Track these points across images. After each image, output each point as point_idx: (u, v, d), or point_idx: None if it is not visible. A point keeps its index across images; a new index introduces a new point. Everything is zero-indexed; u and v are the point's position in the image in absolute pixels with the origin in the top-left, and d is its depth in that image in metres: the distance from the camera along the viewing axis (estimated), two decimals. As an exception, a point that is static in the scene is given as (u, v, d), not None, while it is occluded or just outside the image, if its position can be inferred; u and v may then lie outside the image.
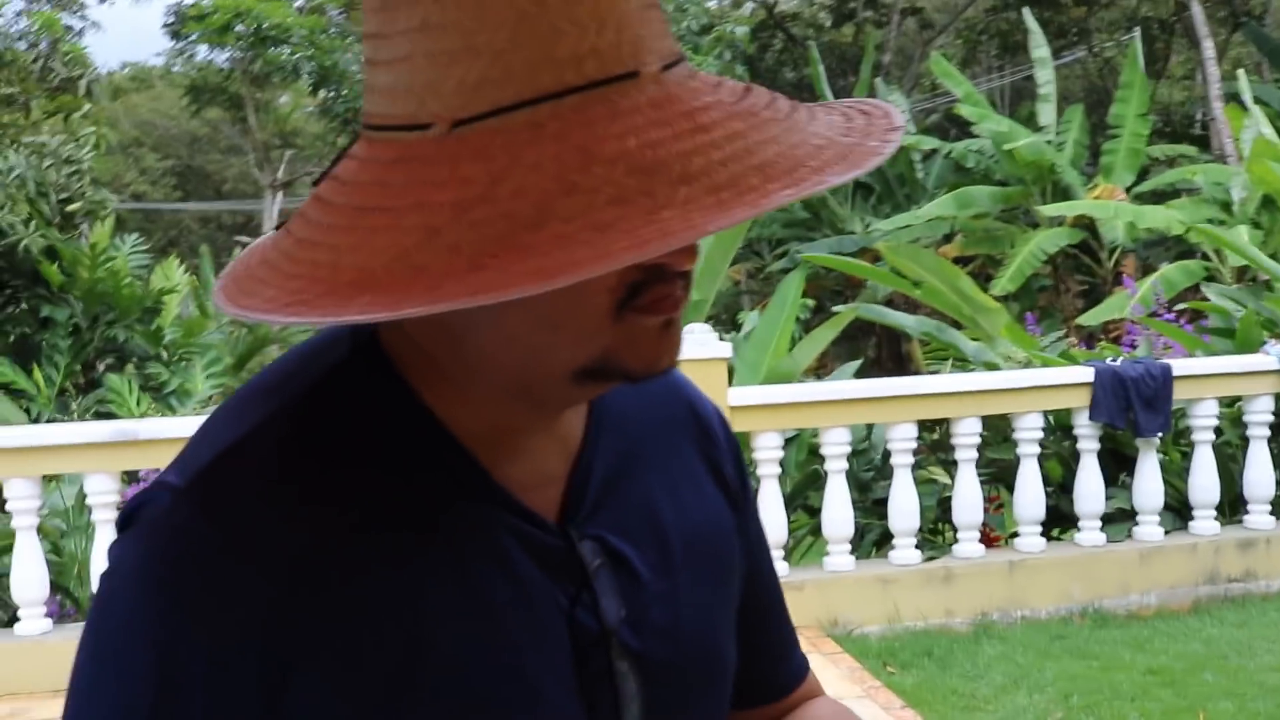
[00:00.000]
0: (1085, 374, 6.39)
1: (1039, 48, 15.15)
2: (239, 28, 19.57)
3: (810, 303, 13.14)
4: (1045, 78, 15.23)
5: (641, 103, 0.72)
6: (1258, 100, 13.16)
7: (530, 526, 0.88)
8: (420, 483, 0.86)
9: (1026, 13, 15.66)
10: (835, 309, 10.58)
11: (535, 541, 0.88)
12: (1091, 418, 6.35)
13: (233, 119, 26.39)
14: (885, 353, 17.97)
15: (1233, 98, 14.71)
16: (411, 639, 0.83)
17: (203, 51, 23.83)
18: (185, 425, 5.39)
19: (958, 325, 8.98)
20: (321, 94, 19.94)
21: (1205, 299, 8.92)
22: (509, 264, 0.68)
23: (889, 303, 14.38)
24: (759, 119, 0.74)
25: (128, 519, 0.85)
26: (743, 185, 0.70)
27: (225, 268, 0.85)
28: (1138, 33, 15.60)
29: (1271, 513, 6.70)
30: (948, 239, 15.72)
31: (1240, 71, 13.59)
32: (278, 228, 0.84)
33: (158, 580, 0.81)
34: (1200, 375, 6.55)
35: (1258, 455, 6.64)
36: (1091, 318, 11.96)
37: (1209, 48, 15.72)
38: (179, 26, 22.41)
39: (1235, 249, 9.20)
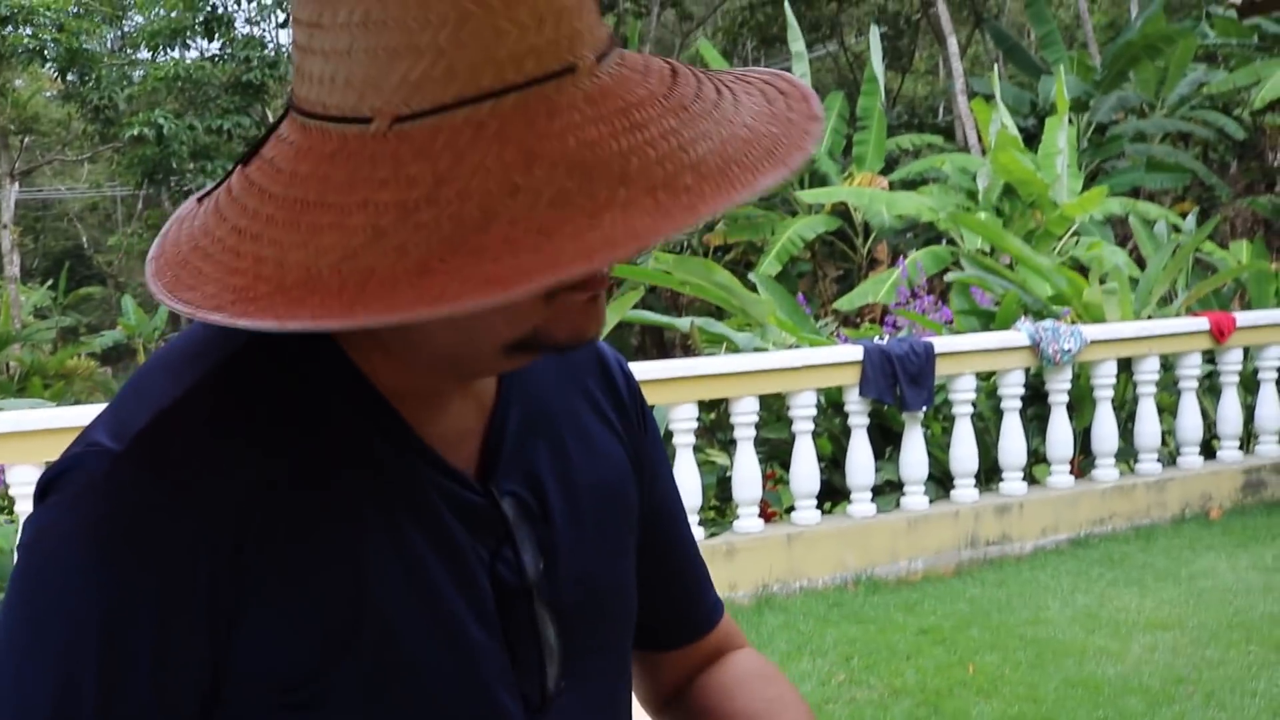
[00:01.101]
0: (855, 352, 6.70)
1: (796, 41, 15.64)
2: (-28, 6, 18.41)
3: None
4: (801, 70, 15.73)
5: (578, 99, 0.74)
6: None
7: (454, 484, 0.92)
8: (352, 439, 0.88)
9: (787, 7, 16.14)
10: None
11: (459, 499, 0.92)
12: (861, 393, 6.66)
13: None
14: (649, 340, 18.30)
15: (975, 93, 15.56)
16: (349, 590, 0.86)
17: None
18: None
19: (722, 317, 9.28)
20: (68, 78, 18.98)
21: (956, 279, 9.42)
22: (458, 267, 0.70)
23: (651, 290, 14.64)
24: (690, 113, 0.76)
25: (50, 485, 0.84)
26: (678, 186, 0.72)
27: (153, 247, 0.85)
28: (874, 30, 16.26)
29: (1023, 479, 7.19)
30: (709, 227, 16.10)
31: (995, 70, 14.35)
32: (201, 199, 0.84)
33: (101, 540, 0.81)
34: (960, 352, 6.96)
35: (1011, 426, 7.09)
36: (848, 302, 12.43)
37: (953, 44, 16.54)
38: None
39: (986, 232, 9.74)
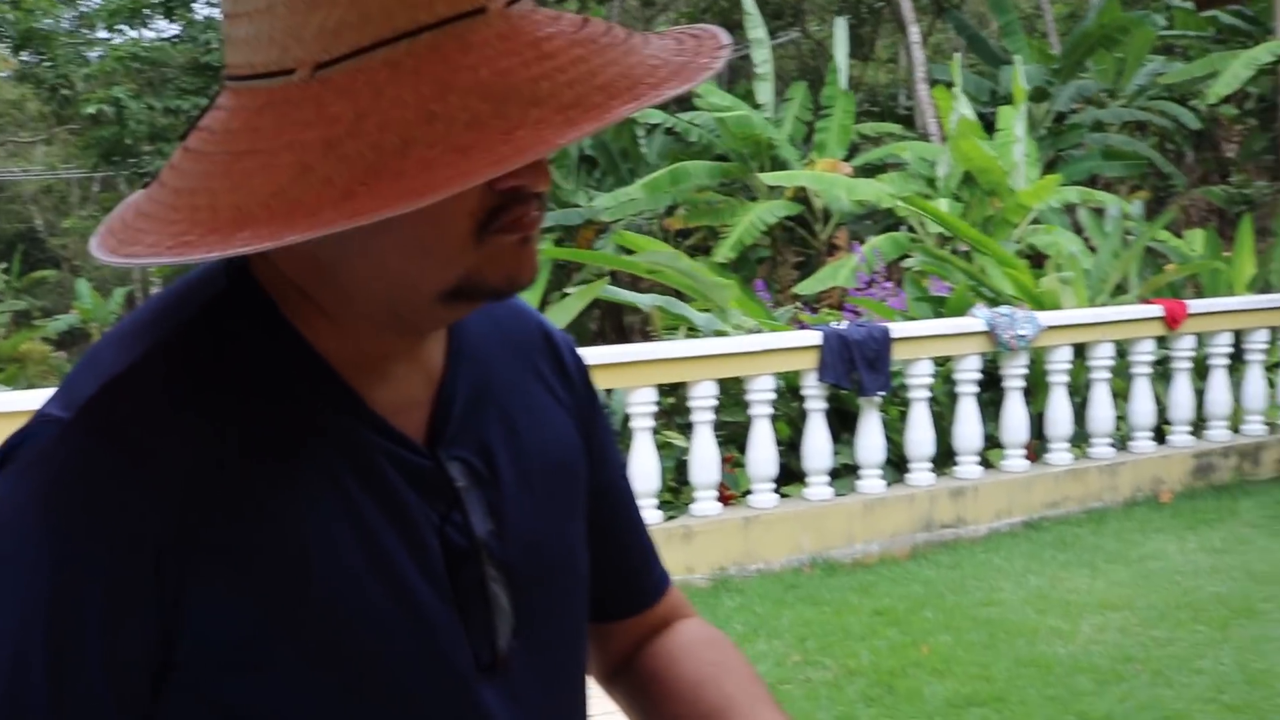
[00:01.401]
0: (814, 337, 6.75)
1: (755, 28, 15.63)
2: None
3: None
4: (762, 57, 15.72)
5: (490, 36, 0.78)
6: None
7: (401, 449, 0.93)
8: (299, 408, 0.90)
9: (746, -7, 16.14)
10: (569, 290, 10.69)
11: (406, 463, 0.93)
12: (820, 378, 6.71)
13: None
14: (609, 325, 18.31)
15: (936, 81, 15.63)
16: (298, 556, 0.87)
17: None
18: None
19: (684, 300, 9.30)
20: (23, 57, 18.74)
21: (912, 267, 9.50)
22: (379, 190, 0.73)
23: (613, 275, 14.65)
24: (599, 45, 0.80)
25: (4, 459, 0.86)
26: (588, 103, 0.76)
27: (101, 223, 0.87)
28: (840, 21, 16.28)
29: (978, 463, 7.26)
30: (670, 211, 16.10)
31: (956, 59, 14.35)
32: (146, 185, 0.87)
33: (52, 508, 0.83)
34: (917, 337, 7.02)
35: (966, 411, 7.16)
36: (807, 287, 12.46)
37: (915, 32, 16.60)
38: None
39: (942, 218, 9.82)
